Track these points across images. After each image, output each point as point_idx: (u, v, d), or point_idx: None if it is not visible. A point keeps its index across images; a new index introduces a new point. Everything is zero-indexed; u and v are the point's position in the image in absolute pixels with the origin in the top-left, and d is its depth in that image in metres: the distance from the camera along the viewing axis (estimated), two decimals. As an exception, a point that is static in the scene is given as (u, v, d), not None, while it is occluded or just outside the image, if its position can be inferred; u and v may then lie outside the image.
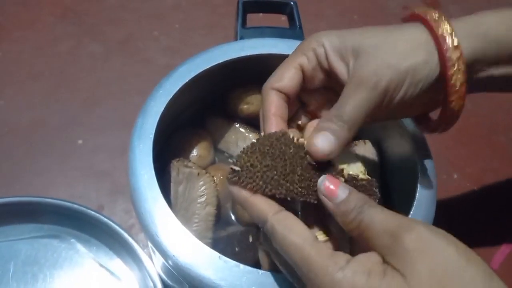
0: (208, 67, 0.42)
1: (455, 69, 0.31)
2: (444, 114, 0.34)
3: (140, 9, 0.80)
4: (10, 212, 0.48)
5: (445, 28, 0.31)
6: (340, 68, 0.33)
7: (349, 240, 0.31)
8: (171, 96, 0.40)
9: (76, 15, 0.77)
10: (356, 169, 0.32)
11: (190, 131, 0.49)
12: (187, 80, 0.41)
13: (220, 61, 0.43)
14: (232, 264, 0.32)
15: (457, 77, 0.31)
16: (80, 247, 0.49)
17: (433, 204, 0.37)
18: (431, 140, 0.43)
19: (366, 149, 0.46)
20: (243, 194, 0.29)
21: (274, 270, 0.32)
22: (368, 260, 0.25)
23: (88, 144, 0.63)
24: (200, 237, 0.41)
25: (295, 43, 0.45)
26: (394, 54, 0.31)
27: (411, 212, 0.36)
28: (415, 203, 0.37)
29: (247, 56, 0.44)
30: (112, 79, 0.70)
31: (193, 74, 0.41)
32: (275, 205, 0.29)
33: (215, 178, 0.43)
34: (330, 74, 0.34)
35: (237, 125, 0.50)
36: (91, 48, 0.73)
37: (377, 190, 0.32)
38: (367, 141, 0.47)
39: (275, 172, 0.28)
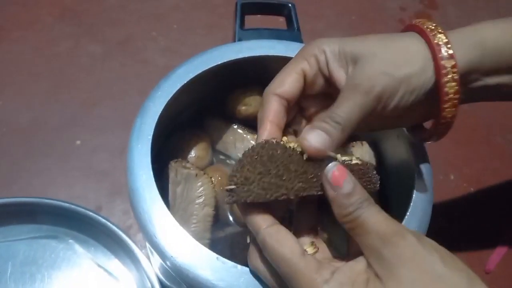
0: (206, 68, 0.42)
1: (449, 77, 0.32)
2: (437, 123, 0.34)
3: (139, 9, 0.80)
4: (8, 213, 0.48)
5: (441, 37, 0.32)
6: (339, 75, 0.34)
7: (345, 237, 0.31)
8: (169, 97, 0.40)
9: (75, 15, 0.77)
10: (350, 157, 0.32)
11: (188, 132, 0.49)
12: (185, 82, 0.41)
13: (218, 63, 0.43)
14: (230, 265, 0.32)
15: (450, 85, 0.32)
16: (78, 247, 0.49)
17: (429, 205, 0.38)
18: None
19: (363, 150, 0.46)
20: (240, 208, 0.30)
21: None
22: (352, 270, 0.27)
23: (87, 145, 0.63)
24: (198, 237, 0.41)
25: (293, 45, 0.45)
26: (390, 62, 0.32)
27: (408, 213, 0.37)
28: (411, 204, 0.37)
29: (245, 57, 0.44)
30: (111, 79, 0.70)
31: (191, 75, 0.41)
32: (269, 218, 0.29)
33: (213, 179, 0.43)
34: (329, 80, 0.35)
35: (235, 126, 0.50)
36: (90, 49, 0.74)
37: (375, 174, 0.32)
38: (364, 142, 0.48)
39: (270, 176, 0.29)
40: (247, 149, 0.31)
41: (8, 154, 0.61)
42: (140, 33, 0.77)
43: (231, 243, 0.44)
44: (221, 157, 0.50)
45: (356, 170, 0.31)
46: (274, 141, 0.31)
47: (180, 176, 0.42)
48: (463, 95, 0.33)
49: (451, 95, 0.32)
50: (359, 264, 0.27)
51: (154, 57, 0.74)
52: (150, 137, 0.38)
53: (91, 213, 0.48)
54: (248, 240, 0.42)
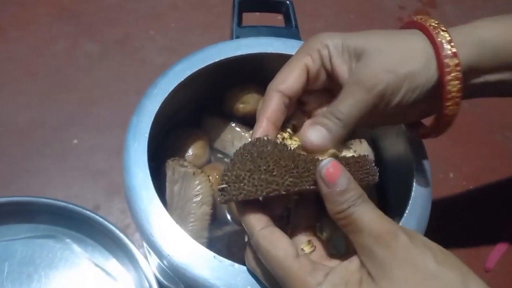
0: (203, 66, 0.42)
1: (452, 75, 0.32)
2: (438, 120, 0.34)
3: (136, 9, 0.80)
4: (6, 212, 0.48)
5: (444, 35, 0.32)
6: (341, 70, 0.34)
7: (344, 236, 0.31)
8: (166, 95, 0.40)
9: (73, 15, 0.77)
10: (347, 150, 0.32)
11: (186, 130, 0.48)
12: (182, 79, 0.41)
13: (216, 60, 0.43)
14: (227, 264, 0.32)
15: (453, 84, 0.32)
16: (75, 247, 0.49)
17: (428, 202, 0.37)
18: (427, 139, 0.42)
19: (362, 148, 0.46)
20: (236, 208, 0.30)
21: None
22: (345, 270, 0.27)
23: (85, 144, 0.63)
24: (196, 236, 0.41)
25: (291, 42, 0.45)
26: (394, 59, 0.32)
27: (407, 211, 0.36)
28: (410, 201, 0.37)
29: (243, 55, 0.44)
30: (109, 78, 0.70)
31: (188, 73, 0.41)
32: (263, 219, 0.29)
33: (210, 178, 0.43)
34: (331, 76, 0.35)
35: (233, 124, 0.49)
36: (88, 48, 0.73)
37: (373, 166, 0.32)
38: (363, 140, 0.47)
39: (260, 172, 0.28)
40: (238, 148, 0.31)
41: (6, 154, 0.61)
42: (138, 32, 0.76)
43: (229, 242, 0.44)
44: (219, 155, 0.50)
45: (352, 163, 0.31)
46: (265, 138, 0.31)
47: (177, 175, 0.41)
48: (463, 92, 0.33)
49: (454, 93, 0.32)
50: (352, 263, 0.27)
51: (152, 56, 0.74)
52: (147, 136, 0.37)
53: (88, 213, 0.48)
54: (246, 239, 0.42)
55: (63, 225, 0.49)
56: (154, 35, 0.76)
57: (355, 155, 0.32)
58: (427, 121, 0.37)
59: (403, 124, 0.41)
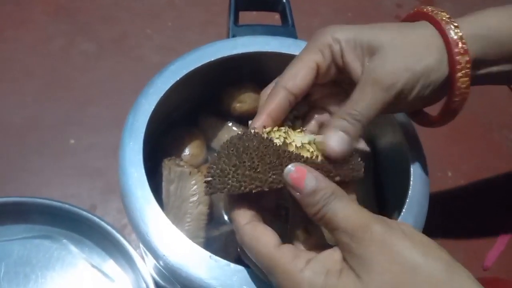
0: (199, 65, 0.42)
1: (463, 72, 0.32)
2: (445, 112, 0.35)
3: (133, 7, 0.79)
4: (2, 213, 0.48)
5: (456, 32, 0.32)
6: (354, 66, 0.33)
7: None
8: (162, 94, 0.40)
9: (69, 13, 0.77)
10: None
11: (182, 129, 0.48)
12: (178, 78, 0.41)
13: (212, 59, 0.42)
14: (223, 263, 0.32)
15: (463, 80, 0.32)
16: (72, 247, 0.49)
17: (425, 200, 0.37)
18: (425, 138, 0.42)
19: (359, 146, 0.46)
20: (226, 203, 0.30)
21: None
22: (327, 259, 0.26)
23: (81, 143, 0.63)
24: (193, 236, 0.41)
25: (288, 41, 0.45)
26: (410, 56, 0.32)
27: (404, 209, 0.36)
28: (407, 200, 0.37)
29: (239, 54, 0.43)
30: (105, 77, 0.70)
31: (184, 72, 0.41)
32: (248, 215, 0.29)
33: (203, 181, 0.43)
34: (343, 71, 0.34)
35: (230, 124, 0.49)
36: (84, 47, 0.73)
37: (359, 161, 0.32)
38: (360, 139, 0.47)
39: (244, 168, 0.28)
40: (225, 141, 0.30)
41: (1, 153, 0.60)
42: (135, 30, 0.76)
43: (226, 241, 0.44)
44: (210, 159, 0.50)
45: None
46: (252, 132, 0.31)
47: (173, 174, 0.41)
48: None
49: (463, 90, 0.32)
50: (336, 253, 0.27)
51: (148, 55, 0.73)
52: (142, 135, 0.37)
53: (85, 213, 0.48)
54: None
55: (59, 226, 0.49)
56: (151, 34, 0.76)
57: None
58: (428, 109, 0.37)
59: (405, 114, 0.41)
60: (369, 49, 0.32)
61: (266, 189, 0.29)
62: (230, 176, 0.28)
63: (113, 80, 0.70)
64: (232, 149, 0.29)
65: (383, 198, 0.47)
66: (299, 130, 0.34)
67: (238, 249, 0.31)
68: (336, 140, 0.31)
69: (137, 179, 0.35)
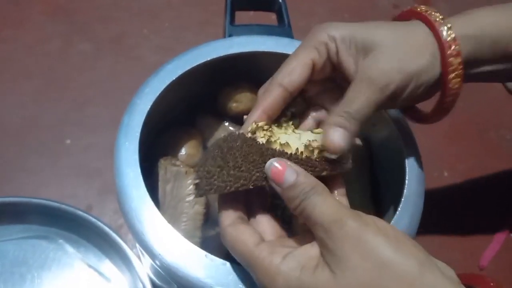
0: (195, 64, 0.42)
1: (455, 73, 0.32)
2: (437, 110, 0.35)
3: (131, 7, 0.79)
4: (-2, 213, 0.48)
5: (449, 34, 0.32)
6: (348, 64, 0.33)
7: None
8: (158, 94, 0.40)
9: (67, 13, 0.77)
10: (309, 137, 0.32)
11: (179, 129, 0.48)
12: (174, 78, 0.41)
13: (208, 59, 0.42)
14: (219, 263, 0.32)
15: (455, 81, 0.33)
16: (68, 248, 0.49)
17: (420, 200, 0.37)
18: (422, 138, 0.43)
19: (355, 146, 0.46)
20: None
21: None
22: (303, 254, 0.27)
23: (79, 143, 0.63)
24: (189, 236, 0.41)
25: (284, 41, 0.45)
26: (403, 56, 0.32)
27: (399, 209, 0.36)
28: (403, 199, 0.37)
29: (235, 53, 0.43)
30: (103, 77, 0.70)
31: (180, 71, 0.41)
32: (231, 216, 0.30)
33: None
34: (337, 68, 0.35)
35: (227, 124, 0.49)
36: (81, 47, 0.73)
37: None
38: (356, 138, 0.47)
39: (229, 168, 0.29)
40: (211, 144, 0.31)
41: (-1, 153, 0.61)
42: (132, 30, 0.76)
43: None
44: (198, 161, 0.50)
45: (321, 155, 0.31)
46: (237, 133, 0.31)
47: (169, 174, 0.41)
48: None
49: (455, 90, 0.33)
50: (313, 248, 0.27)
51: (146, 54, 0.73)
52: (138, 134, 0.37)
53: (81, 213, 0.47)
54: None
55: (56, 226, 0.49)
56: (148, 34, 0.76)
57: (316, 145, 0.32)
58: (420, 105, 0.38)
59: (399, 110, 0.42)
60: (364, 48, 0.33)
61: (251, 187, 0.29)
62: (215, 177, 0.29)
63: (111, 80, 0.70)
64: (217, 150, 0.30)
65: (380, 197, 0.47)
66: (292, 127, 0.34)
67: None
68: (337, 136, 0.31)
69: (133, 179, 0.35)
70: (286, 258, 0.26)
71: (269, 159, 0.29)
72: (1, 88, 0.67)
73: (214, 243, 0.43)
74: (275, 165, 0.29)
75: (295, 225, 0.33)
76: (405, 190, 0.37)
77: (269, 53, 0.44)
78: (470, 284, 0.27)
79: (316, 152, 0.31)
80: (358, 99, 0.32)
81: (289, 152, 0.30)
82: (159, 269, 0.34)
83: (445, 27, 0.32)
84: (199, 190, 0.30)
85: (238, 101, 0.47)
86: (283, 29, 0.48)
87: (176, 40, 0.76)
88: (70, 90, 0.68)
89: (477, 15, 0.34)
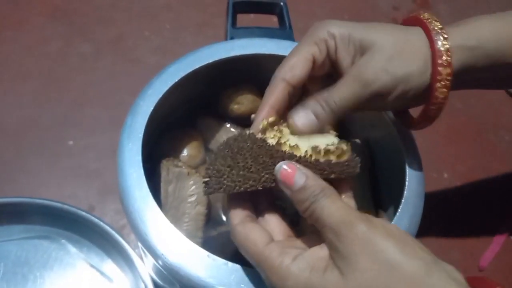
0: (197, 67, 0.42)
1: (442, 83, 0.33)
2: (423, 117, 0.36)
3: (130, 8, 0.79)
4: (0, 213, 0.48)
5: (444, 44, 0.33)
6: (345, 61, 0.34)
7: None
8: (160, 96, 0.40)
9: (66, 15, 0.77)
10: (325, 141, 0.32)
11: (180, 131, 0.48)
12: (176, 80, 0.41)
13: (210, 61, 0.43)
14: (220, 262, 0.32)
15: (441, 91, 0.33)
16: (70, 248, 0.49)
17: (420, 202, 0.38)
18: (421, 139, 0.43)
19: (355, 147, 0.46)
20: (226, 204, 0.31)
21: None
22: (313, 256, 0.27)
23: (79, 144, 0.63)
24: (191, 236, 0.41)
25: (285, 43, 0.45)
26: (395, 58, 0.33)
27: (399, 210, 0.37)
28: (403, 201, 0.37)
29: (237, 56, 0.44)
30: (103, 79, 0.70)
31: (182, 73, 0.41)
32: (240, 214, 0.31)
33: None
34: (334, 65, 0.35)
35: (228, 125, 0.50)
36: (81, 48, 0.73)
37: (355, 157, 0.32)
38: (356, 140, 0.48)
39: (239, 168, 0.29)
40: (221, 142, 0.31)
41: (-1, 154, 0.61)
42: (132, 32, 0.76)
43: (224, 241, 0.44)
44: (208, 159, 0.50)
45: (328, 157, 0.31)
46: (247, 132, 0.31)
47: (171, 175, 0.41)
48: (453, 88, 0.34)
49: (440, 100, 0.34)
50: (322, 250, 0.27)
51: (146, 56, 0.73)
52: (141, 136, 0.37)
53: (83, 213, 0.48)
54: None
55: (58, 226, 0.49)
56: (148, 35, 0.76)
57: (332, 148, 0.32)
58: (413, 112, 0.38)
59: (392, 114, 0.42)
60: (361, 47, 0.34)
61: (260, 188, 0.30)
62: (225, 176, 0.30)
63: (110, 81, 0.70)
64: (227, 150, 0.30)
65: (380, 198, 0.48)
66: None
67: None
68: (302, 117, 0.32)
69: (136, 180, 0.35)
70: (296, 260, 0.27)
71: (279, 161, 0.30)
72: (1, 89, 0.67)
73: (216, 243, 0.43)
74: (284, 167, 0.29)
75: (303, 225, 0.33)
76: (405, 191, 0.38)
77: (270, 55, 0.44)
78: (475, 287, 0.27)
79: (324, 155, 0.31)
80: (341, 90, 0.33)
81: (298, 154, 0.31)
82: (161, 269, 0.34)
83: (441, 37, 0.33)
84: (208, 188, 0.30)
85: (240, 103, 0.47)
86: (284, 31, 0.49)
87: (175, 41, 0.76)
88: (70, 91, 0.68)
89: (474, 25, 0.34)
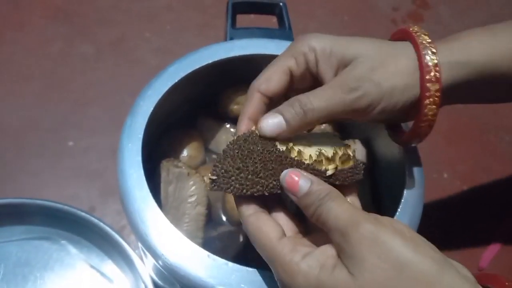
0: (197, 67, 0.42)
1: (430, 100, 0.32)
2: (411, 134, 0.35)
3: (131, 9, 0.80)
4: (0, 214, 0.48)
5: (432, 58, 0.32)
6: (327, 74, 0.33)
7: None
8: (160, 96, 0.40)
9: (67, 16, 0.77)
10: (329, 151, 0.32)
11: (181, 131, 0.49)
12: (176, 80, 0.41)
13: (210, 62, 0.43)
14: (221, 262, 0.32)
15: (430, 108, 0.32)
16: (71, 248, 0.49)
17: (420, 202, 0.38)
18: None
19: (355, 148, 0.47)
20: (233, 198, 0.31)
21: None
22: (322, 254, 0.27)
23: (79, 145, 0.63)
24: (191, 237, 0.41)
25: (285, 44, 0.45)
26: (380, 71, 0.32)
27: (399, 210, 0.37)
28: (402, 201, 0.37)
29: (236, 56, 0.44)
30: (104, 80, 0.70)
31: (182, 74, 0.41)
32: (252, 207, 0.30)
33: (205, 178, 0.43)
34: (317, 79, 0.35)
35: (228, 126, 0.50)
36: (82, 49, 0.73)
37: (359, 163, 0.32)
38: (356, 140, 0.48)
39: (247, 172, 0.29)
40: (231, 140, 0.31)
41: (0, 155, 0.61)
42: (133, 33, 0.77)
43: (224, 242, 0.44)
44: (214, 156, 0.50)
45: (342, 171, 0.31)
46: (257, 134, 0.31)
47: (171, 175, 0.42)
48: (444, 103, 0.33)
49: (429, 117, 0.33)
50: (332, 248, 0.27)
51: (146, 57, 0.74)
52: (141, 136, 0.38)
53: (84, 214, 0.48)
54: (241, 239, 0.42)
55: (58, 227, 0.49)
56: (149, 36, 0.77)
57: (341, 152, 0.32)
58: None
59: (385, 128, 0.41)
60: (343, 60, 0.33)
61: (267, 194, 0.30)
62: (233, 178, 0.30)
63: (111, 82, 0.70)
64: (237, 150, 0.30)
65: (379, 198, 0.48)
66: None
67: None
68: (270, 120, 0.31)
69: (136, 180, 0.36)
70: (306, 257, 0.27)
71: (287, 168, 0.30)
72: (2, 90, 0.67)
73: (215, 243, 0.43)
74: (289, 175, 0.29)
75: (311, 223, 0.33)
76: (404, 192, 0.38)
77: (270, 56, 0.44)
78: (484, 284, 0.26)
79: (331, 162, 0.31)
80: (319, 94, 0.31)
81: (306, 161, 0.31)
82: (161, 269, 0.34)
83: (430, 51, 0.32)
84: (215, 185, 0.30)
85: (239, 103, 0.47)
86: (284, 32, 0.49)
87: (175, 42, 0.76)
88: (71, 91, 0.68)
89: (464, 41, 0.34)
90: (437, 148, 0.69)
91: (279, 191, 0.30)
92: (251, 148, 0.30)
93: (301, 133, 0.34)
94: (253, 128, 0.32)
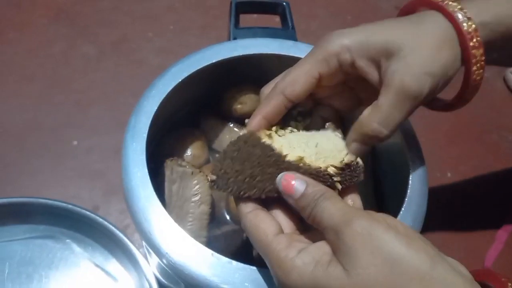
0: (201, 67, 0.42)
1: (478, 65, 0.32)
2: (459, 100, 0.36)
3: (133, 10, 0.80)
4: (5, 213, 0.48)
5: (470, 24, 0.31)
6: (370, 71, 0.33)
7: None
8: (164, 96, 0.40)
9: (69, 16, 0.77)
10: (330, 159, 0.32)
11: (184, 130, 0.49)
12: (180, 80, 0.41)
13: (213, 61, 0.43)
14: (224, 261, 0.32)
15: (478, 73, 0.32)
16: (75, 247, 0.49)
17: (424, 201, 0.38)
18: (424, 139, 0.43)
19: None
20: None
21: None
22: (317, 250, 0.27)
23: (82, 145, 0.63)
24: (195, 235, 0.41)
25: (288, 43, 0.46)
26: (428, 58, 0.31)
27: (403, 209, 0.37)
28: (406, 200, 0.37)
29: (240, 56, 0.44)
30: (106, 80, 0.70)
31: (185, 74, 0.41)
32: (250, 204, 0.31)
33: (209, 177, 0.43)
34: (351, 75, 0.34)
35: (231, 125, 0.50)
36: (84, 50, 0.74)
37: (358, 166, 0.33)
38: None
39: (245, 175, 0.30)
40: (232, 140, 0.32)
41: (2, 156, 0.61)
42: (134, 33, 0.77)
43: (228, 240, 0.44)
44: (218, 155, 0.50)
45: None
46: (257, 136, 0.32)
47: (175, 174, 0.42)
48: None
49: (477, 82, 0.33)
50: (327, 245, 0.27)
51: (148, 57, 0.74)
52: (145, 136, 0.38)
53: (88, 213, 0.48)
54: (245, 237, 0.42)
55: (62, 226, 0.49)
56: (151, 37, 0.77)
57: (341, 155, 0.32)
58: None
59: None
60: (385, 52, 0.31)
61: (263, 197, 0.30)
62: (232, 179, 0.30)
63: (113, 82, 0.70)
64: (236, 152, 0.31)
65: (382, 197, 0.48)
66: (301, 128, 0.35)
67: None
68: (355, 149, 0.33)
69: (140, 179, 0.36)
70: (301, 253, 0.27)
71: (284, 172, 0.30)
72: (5, 90, 0.67)
73: (219, 242, 0.44)
74: (284, 178, 0.30)
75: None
76: (408, 190, 0.38)
77: (273, 55, 0.45)
78: (481, 281, 0.26)
79: (326, 166, 0.31)
80: (394, 114, 0.31)
81: (303, 166, 0.31)
82: (166, 268, 0.34)
83: (465, 18, 0.31)
84: (214, 184, 0.31)
85: (243, 103, 0.48)
86: (287, 31, 0.49)
87: (178, 43, 0.76)
88: (73, 92, 0.69)
89: (491, 1, 0.33)
90: (440, 147, 0.69)
91: (275, 195, 0.30)
92: (250, 151, 0.31)
93: (302, 133, 0.34)
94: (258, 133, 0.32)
